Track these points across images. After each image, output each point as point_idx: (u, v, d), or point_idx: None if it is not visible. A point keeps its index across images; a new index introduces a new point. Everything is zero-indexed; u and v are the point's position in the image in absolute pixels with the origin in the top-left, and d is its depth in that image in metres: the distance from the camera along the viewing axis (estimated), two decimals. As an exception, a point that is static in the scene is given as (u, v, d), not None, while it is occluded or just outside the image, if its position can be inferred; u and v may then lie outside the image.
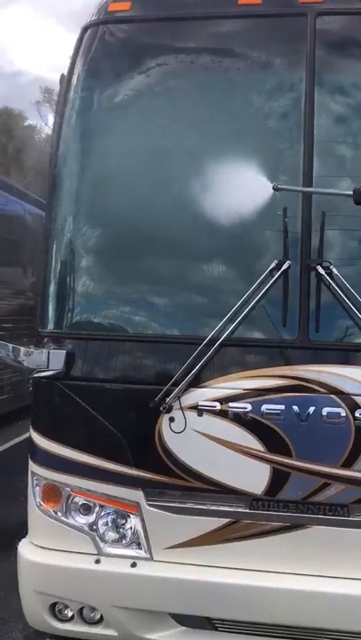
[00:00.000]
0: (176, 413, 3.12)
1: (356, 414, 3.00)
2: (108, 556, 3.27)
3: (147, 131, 3.55)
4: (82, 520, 3.33)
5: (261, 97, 3.41)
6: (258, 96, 3.42)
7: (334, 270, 3.03)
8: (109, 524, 3.30)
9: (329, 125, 3.27)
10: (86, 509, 3.32)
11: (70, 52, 3.68)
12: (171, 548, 3.18)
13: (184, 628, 3.27)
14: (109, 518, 3.30)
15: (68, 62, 3.65)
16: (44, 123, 44.42)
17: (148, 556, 3.23)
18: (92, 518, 3.31)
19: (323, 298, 3.07)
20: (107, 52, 3.60)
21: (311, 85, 3.25)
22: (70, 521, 3.33)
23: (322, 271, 3.05)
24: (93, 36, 3.58)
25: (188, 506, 3.16)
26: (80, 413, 3.23)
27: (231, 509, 3.13)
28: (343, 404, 3.01)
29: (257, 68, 3.45)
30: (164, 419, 3.13)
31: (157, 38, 3.56)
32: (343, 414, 3.00)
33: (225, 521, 3.13)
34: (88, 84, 3.58)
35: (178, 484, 3.15)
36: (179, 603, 3.18)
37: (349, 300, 3.01)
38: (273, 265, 3.08)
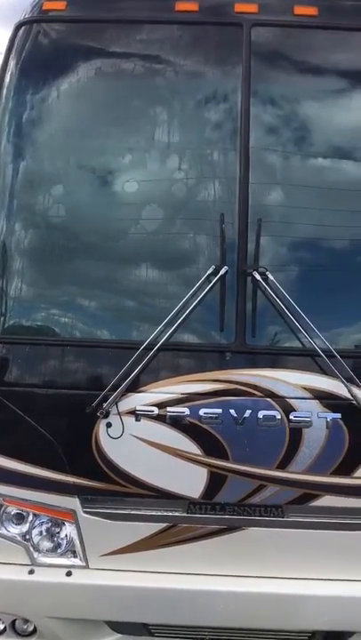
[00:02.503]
0: (113, 419, 3.09)
1: (291, 417, 3.07)
2: (42, 565, 3.19)
3: (79, 133, 3.52)
4: (14, 530, 3.23)
5: (197, 105, 3.44)
6: (193, 104, 3.45)
7: (270, 276, 3.09)
8: (44, 534, 3.22)
9: (264, 133, 3.35)
10: (19, 519, 3.23)
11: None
12: (107, 555, 3.15)
13: (120, 635, 3.25)
14: (44, 527, 3.23)
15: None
16: None
17: (84, 564, 3.18)
18: (25, 528, 3.23)
19: (259, 303, 3.13)
20: (40, 51, 3.53)
21: (247, 94, 3.31)
22: (2, 531, 3.23)
23: (258, 277, 3.10)
24: (27, 35, 3.51)
25: (125, 512, 3.14)
26: (13, 420, 3.14)
27: (168, 514, 3.13)
28: (278, 407, 3.07)
29: (193, 75, 3.48)
30: (101, 424, 3.10)
31: (93, 40, 3.53)
32: (278, 417, 3.06)
33: (162, 526, 3.13)
34: (21, 83, 3.50)
35: (115, 490, 3.12)
36: (115, 610, 3.15)
37: (284, 305, 3.08)
38: (210, 270, 3.11)
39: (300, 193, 3.32)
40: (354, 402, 3.04)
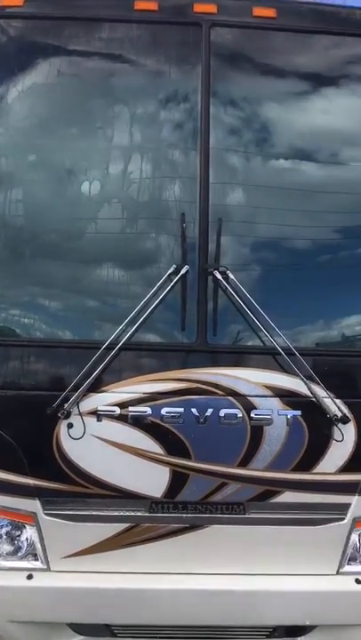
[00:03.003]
0: (75, 419, 3.07)
1: (252, 415, 3.10)
2: (2, 569, 3.15)
3: (37, 131, 3.46)
4: None
5: (157, 104, 3.44)
6: (153, 103, 3.44)
7: (231, 275, 3.12)
8: (3, 537, 3.17)
9: (224, 133, 3.37)
10: None
11: None
12: (69, 556, 3.12)
13: (82, 637, 3.22)
14: (3, 531, 3.18)
15: None
16: None
17: (45, 566, 3.14)
18: None
19: (220, 302, 3.15)
20: None
21: (206, 94, 3.33)
22: None
23: (219, 276, 3.12)
24: None
25: (86, 513, 3.11)
26: None
27: (131, 514, 3.13)
28: (240, 406, 3.10)
29: (152, 75, 3.47)
30: (63, 425, 3.07)
31: (51, 38, 3.48)
32: (240, 415, 3.09)
33: (124, 526, 3.12)
34: None
35: (77, 492, 3.09)
36: (77, 612, 3.12)
37: (245, 304, 3.11)
38: (171, 269, 3.12)
39: (261, 193, 3.36)
40: (313, 399, 3.09)
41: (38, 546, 3.14)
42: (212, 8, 3.42)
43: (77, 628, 3.19)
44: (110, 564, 3.11)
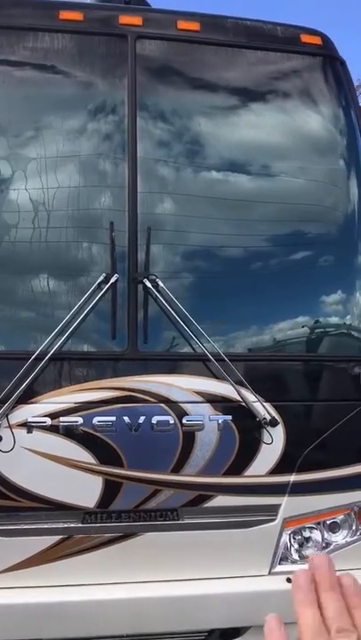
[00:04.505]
0: (4, 432, 3.00)
1: (184, 421, 3.13)
2: None
3: None
4: None
5: (83, 115, 3.44)
6: (79, 114, 3.44)
7: (160, 283, 3.15)
8: None
9: (151, 144, 3.41)
10: None
11: None
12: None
13: None
14: None
15: None
16: None
17: None
18: None
19: (150, 310, 3.17)
20: None
21: (133, 105, 3.36)
22: None
23: (149, 284, 3.14)
24: None
25: (17, 527, 3.05)
26: None
27: (63, 526, 3.08)
28: (171, 412, 3.12)
29: (79, 85, 3.48)
30: None
31: None
32: (172, 422, 3.11)
33: (57, 538, 3.07)
34: None
35: (7, 506, 3.02)
36: (8, 629, 3.03)
37: (175, 312, 3.14)
38: (101, 278, 3.12)
39: (188, 202, 3.42)
40: (243, 403, 3.15)
41: None
42: (137, 20, 3.46)
43: (9, 645, 3.12)
44: (43, 579, 3.04)
